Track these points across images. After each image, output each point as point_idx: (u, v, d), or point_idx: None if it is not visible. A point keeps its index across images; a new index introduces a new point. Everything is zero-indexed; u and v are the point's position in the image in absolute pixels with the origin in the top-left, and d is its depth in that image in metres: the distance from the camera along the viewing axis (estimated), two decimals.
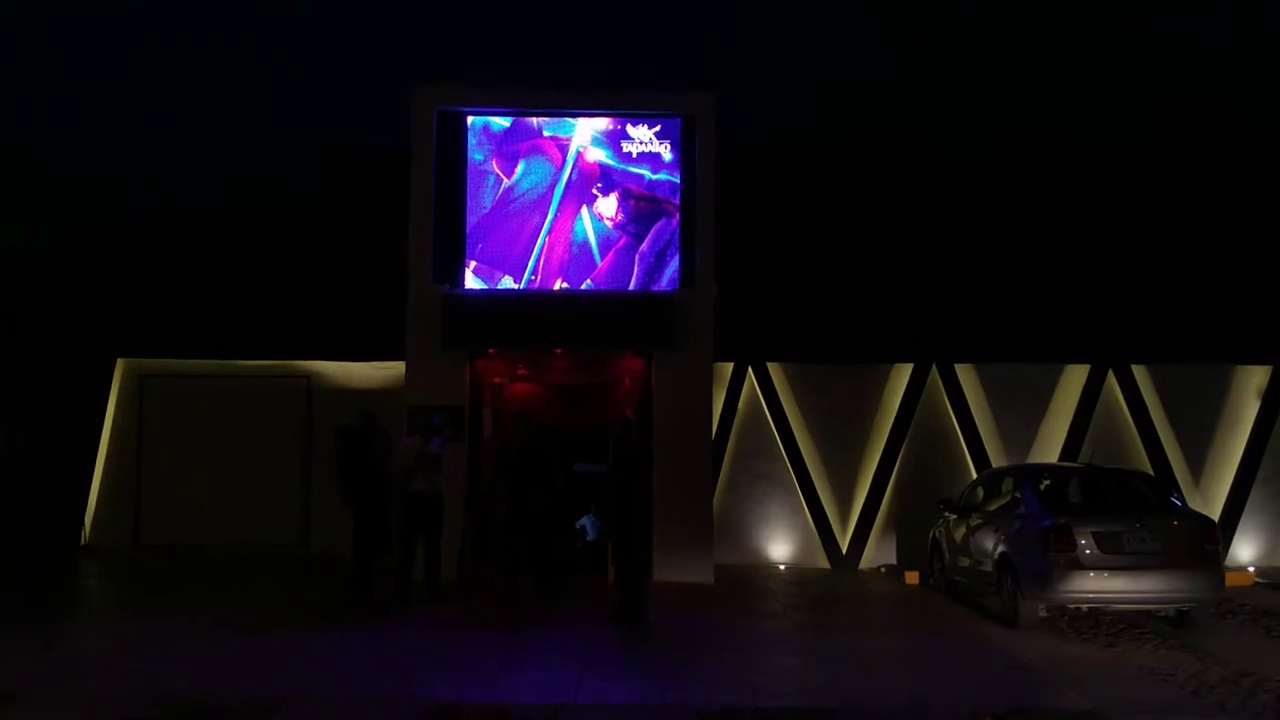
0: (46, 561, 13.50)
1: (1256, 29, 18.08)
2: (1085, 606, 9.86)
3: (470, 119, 13.14)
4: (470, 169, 13.11)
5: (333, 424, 14.11)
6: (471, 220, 13.07)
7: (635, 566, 10.22)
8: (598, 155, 13.15)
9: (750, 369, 14.48)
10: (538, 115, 13.17)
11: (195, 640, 8.95)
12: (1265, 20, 17.86)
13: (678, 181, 13.10)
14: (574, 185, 13.13)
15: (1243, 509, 14.33)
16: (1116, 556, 9.53)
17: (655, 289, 12.98)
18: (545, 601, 10.61)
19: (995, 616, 10.43)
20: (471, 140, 13.13)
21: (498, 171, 13.15)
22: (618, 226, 13.12)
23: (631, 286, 13.01)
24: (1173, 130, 15.60)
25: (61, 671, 7.89)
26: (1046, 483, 10.96)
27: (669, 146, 13.12)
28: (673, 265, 13.04)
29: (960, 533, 11.78)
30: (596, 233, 13.09)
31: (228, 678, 7.73)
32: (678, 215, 13.08)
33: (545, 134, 13.19)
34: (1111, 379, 14.48)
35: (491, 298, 12.93)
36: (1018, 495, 10.72)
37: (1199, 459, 14.54)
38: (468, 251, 13.03)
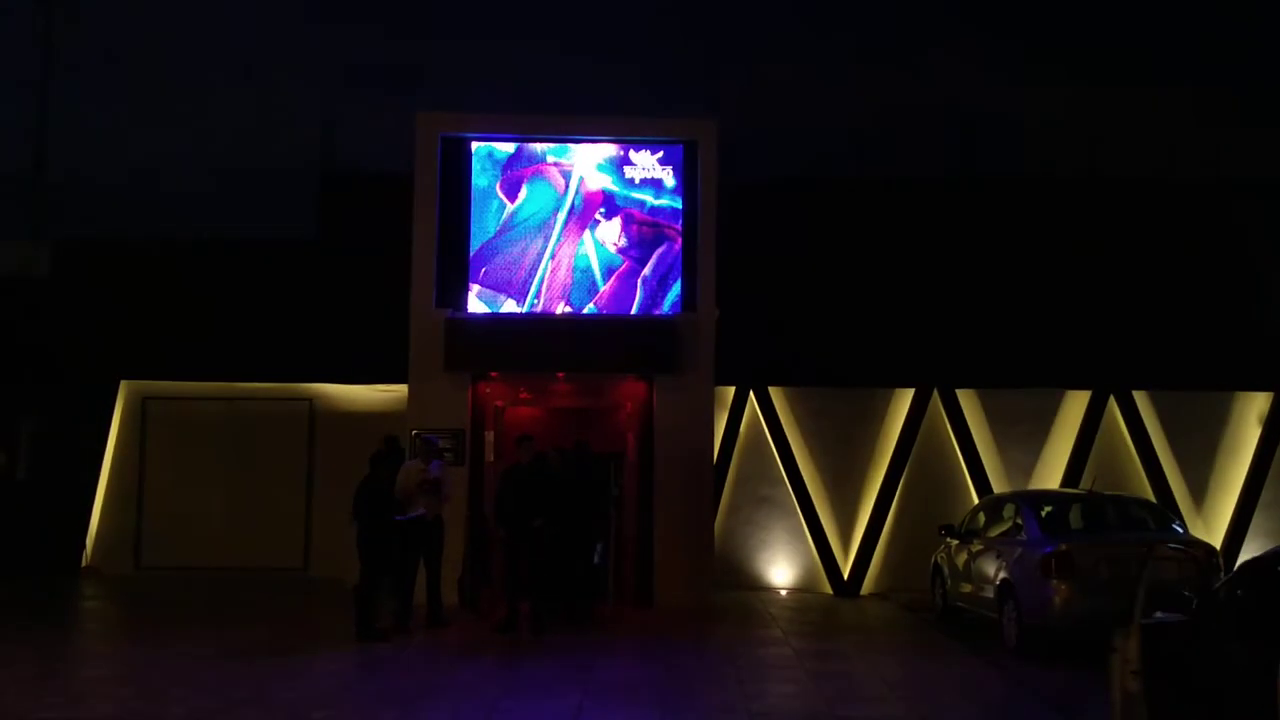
0: (48, 583, 13.50)
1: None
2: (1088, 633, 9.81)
3: (474, 145, 13.21)
4: (474, 194, 13.18)
5: (335, 446, 14.35)
6: (475, 245, 13.13)
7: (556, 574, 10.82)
8: (601, 181, 13.22)
9: (752, 393, 14.49)
10: (541, 141, 13.26)
11: (193, 665, 8.94)
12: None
13: (680, 207, 13.15)
14: (577, 210, 13.20)
15: (1245, 535, 14.28)
16: (1118, 583, 9.49)
17: (657, 313, 13.02)
18: (545, 627, 10.58)
19: (998, 643, 10.39)
20: (475, 165, 13.20)
21: (501, 196, 13.21)
22: (620, 251, 13.17)
23: (634, 311, 13.05)
24: (1171, 156, 15.67)
25: (59, 697, 7.87)
26: (1048, 509, 10.96)
27: (671, 172, 13.19)
28: (675, 290, 13.08)
29: (962, 559, 11.76)
30: (599, 257, 13.14)
31: (224, 704, 7.71)
32: (680, 240, 13.13)
33: (549, 160, 13.26)
34: (1113, 405, 14.47)
35: (494, 321, 12.97)
36: (1019, 521, 10.71)
37: (1200, 485, 14.50)
38: (471, 275, 13.08)
